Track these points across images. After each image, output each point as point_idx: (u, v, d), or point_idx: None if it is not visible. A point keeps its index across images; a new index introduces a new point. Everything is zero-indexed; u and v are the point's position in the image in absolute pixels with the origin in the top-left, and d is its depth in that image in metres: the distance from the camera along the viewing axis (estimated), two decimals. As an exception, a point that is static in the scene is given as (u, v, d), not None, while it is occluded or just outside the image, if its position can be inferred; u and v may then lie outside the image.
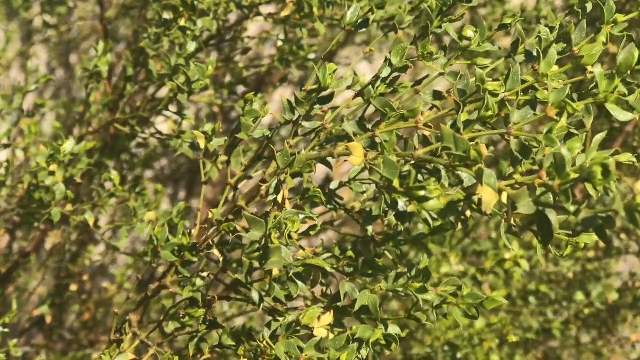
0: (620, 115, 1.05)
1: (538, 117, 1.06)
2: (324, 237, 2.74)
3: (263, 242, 1.07)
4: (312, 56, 1.78)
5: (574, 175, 0.93)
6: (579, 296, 2.73)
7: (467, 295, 1.19)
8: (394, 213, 1.01)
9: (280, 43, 1.65)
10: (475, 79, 1.10)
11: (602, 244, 2.95)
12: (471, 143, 1.02)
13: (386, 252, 1.34)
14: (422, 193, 0.96)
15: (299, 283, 1.09)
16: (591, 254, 2.89)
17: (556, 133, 1.02)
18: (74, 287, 2.41)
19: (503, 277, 2.21)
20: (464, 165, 0.99)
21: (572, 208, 0.94)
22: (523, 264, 2.13)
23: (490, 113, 1.05)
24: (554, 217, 0.98)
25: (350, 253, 1.29)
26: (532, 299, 2.68)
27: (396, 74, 1.19)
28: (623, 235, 2.83)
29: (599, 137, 0.98)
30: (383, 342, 1.16)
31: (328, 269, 1.10)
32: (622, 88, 1.09)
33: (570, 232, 1.16)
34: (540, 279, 2.84)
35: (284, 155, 1.12)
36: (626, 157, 1.08)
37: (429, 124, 1.13)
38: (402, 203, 1.01)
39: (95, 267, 3.17)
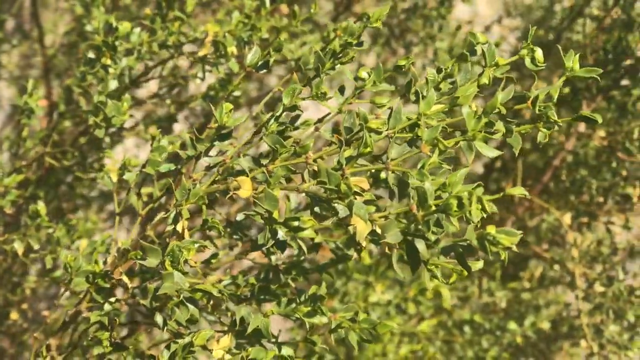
0: (489, 152, 1.13)
1: (414, 152, 1.15)
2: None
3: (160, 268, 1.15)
4: (237, 93, 1.85)
5: (434, 207, 1.02)
6: (512, 325, 2.81)
7: (362, 320, 1.27)
8: (273, 242, 1.08)
9: (198, 81, 1.72)
10: (359, 117, 1.18)
11: (536, 275, 3.05)
12: (355, 178, 1.11)
13: (289, 280, 1.42)
14: (296, 223, 1.05)
15: (190, 306, 1.16)
16: (526, 284, 2.98)
17: (428, 168, 1.10)
18: (14, 316, 2.45)
19: (428, 305, 2.28)
20: (337, 198, 1.07)
21: (432, 237, 1.03)
22: (445, 292, 2.21)
23: (368, 150, 1.13)
24: (422, 245, 1.07)
25: (252, 280, 1.37)
26: (466, 329, 2.76)
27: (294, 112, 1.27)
28: (556, 267, 2.92)
29: (463, 171, 1.06)
30: (277, 363, 1.23)
31: (215, 293, 1.18)
32: (500, 127, 1.17)
33: (451, 260, 1.23)
34: (482, 310, 2.91)
35: (182, 189, 1.20)
36: (519, 191, 1.16)
37: (320, 159, 1.20)
38: (281, 233, 1.08)
39: (51, 295, 3.23)
